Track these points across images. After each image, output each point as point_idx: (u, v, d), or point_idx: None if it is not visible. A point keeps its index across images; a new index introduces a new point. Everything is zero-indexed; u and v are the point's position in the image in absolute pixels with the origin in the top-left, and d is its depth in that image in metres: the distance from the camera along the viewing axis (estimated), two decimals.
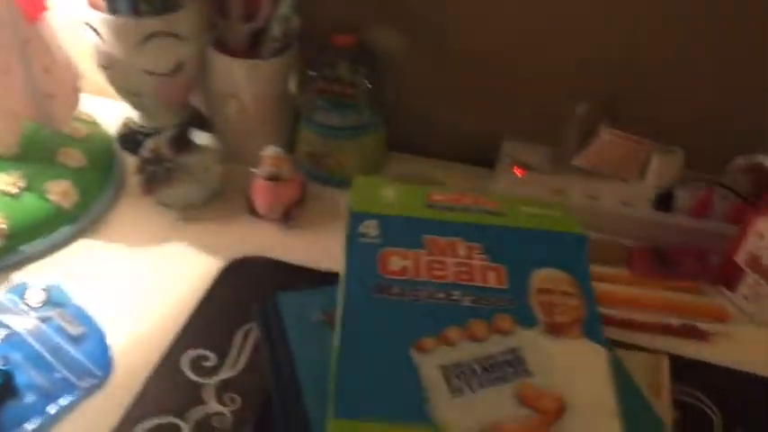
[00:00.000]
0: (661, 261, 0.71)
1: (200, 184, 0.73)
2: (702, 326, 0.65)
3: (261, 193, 0.73)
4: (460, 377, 0.43)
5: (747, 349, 0.64)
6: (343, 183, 0.79)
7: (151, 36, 0.71)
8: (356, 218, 0.51)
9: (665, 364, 0.60)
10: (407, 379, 0.43)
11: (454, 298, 0.47)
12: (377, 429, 0.41)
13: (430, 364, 0.44)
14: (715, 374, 0.61)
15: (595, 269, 0.70)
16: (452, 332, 0.45)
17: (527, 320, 0.46)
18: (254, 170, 0.73)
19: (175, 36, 0.73)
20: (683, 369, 0.60)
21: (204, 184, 0.74)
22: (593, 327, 0.47)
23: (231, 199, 0.77)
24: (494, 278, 0.48)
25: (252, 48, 0.76)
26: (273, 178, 0.72)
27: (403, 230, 0.50)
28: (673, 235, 0.72)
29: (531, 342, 0.45)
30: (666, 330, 0.64)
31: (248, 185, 0.73)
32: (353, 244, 0.50)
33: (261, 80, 0.75)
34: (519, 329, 0.46)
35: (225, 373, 0.57)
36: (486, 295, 0.47)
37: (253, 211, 0.75)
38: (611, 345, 0.60)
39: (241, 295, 0.65)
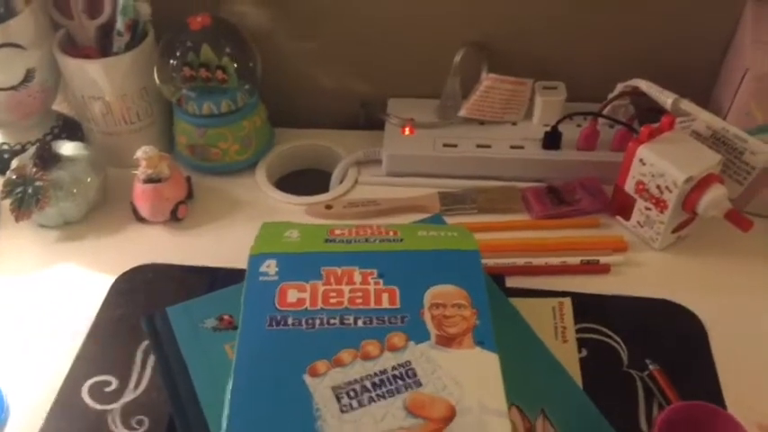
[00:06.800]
0: (557, 200, 0.71)
1: (76, 199, 0.69)
2: (604, 259, 0.65)
3: (142, 197, 0.69)
4: (351, 394, 0.45)
5: (647, 275, 0.65)
6: (230, 171, 0.76)
7: None
8: (254, 261, 0.53)
9: (568, 305, 0.60)
10: (300, 404, 0.44)
11: (348, 322, 0.49)
12: None
13: (322, 387, 0.45)
14: (619, 306, 0.61)
15: (495, 218, 0.71)
16: (345, 354, 0.47)
17: (419, 336, 0.48)
18: (135, 172, 0.69)
19: (17, 46, 0.68)
20: (588, 306, 0.61)
21: (80, 198, 0.70)
22: (484, 334, 0.48)
23: (116, 208, 0.73)
24: (387, 299, 0.51)
25: (103, 45, 0.71)
26: (152, 180, 0.69)
27: (301, 266, 0.53)
28: (565, 171, 0.72)
29: (423, 355, 0.47)
30: (568, 270, 0.64)
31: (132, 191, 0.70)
32: (251, 284, 0.52)
33: (118, 77, 0.70)
34: (411, 345, 0.48)
35: (128, 396, 0.55)
36: (380, 316, 0.49)
37: (139, 218, 0.71)
38: (513, 294, 0.60)
39: (136, 309, 0.62)
